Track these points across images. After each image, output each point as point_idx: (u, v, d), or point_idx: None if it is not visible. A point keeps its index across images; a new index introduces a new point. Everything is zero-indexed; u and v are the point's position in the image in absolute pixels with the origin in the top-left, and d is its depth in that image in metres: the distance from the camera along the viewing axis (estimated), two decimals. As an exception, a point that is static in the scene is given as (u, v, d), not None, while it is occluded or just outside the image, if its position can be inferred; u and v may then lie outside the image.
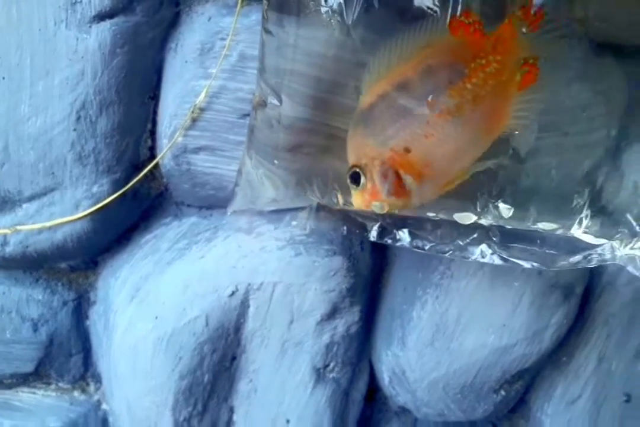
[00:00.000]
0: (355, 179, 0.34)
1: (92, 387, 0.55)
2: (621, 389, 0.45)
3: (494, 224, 0.36)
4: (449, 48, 0.31)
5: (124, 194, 0.46)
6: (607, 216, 0.35)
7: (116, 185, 0.46)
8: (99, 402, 0.55)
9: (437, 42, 0.31)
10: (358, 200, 0.35)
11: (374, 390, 0.52)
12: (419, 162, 0.33)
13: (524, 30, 0.30)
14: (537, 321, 0.43)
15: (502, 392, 0.46)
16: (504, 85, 0.31)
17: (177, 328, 0.46)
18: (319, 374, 0.48)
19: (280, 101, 0.36)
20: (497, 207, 0.34)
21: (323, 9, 0.33)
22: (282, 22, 0.35)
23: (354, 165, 0.34)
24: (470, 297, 0.44)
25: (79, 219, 0.46)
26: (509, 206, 0.34)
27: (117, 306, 0.48)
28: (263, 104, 0.36)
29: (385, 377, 0.49)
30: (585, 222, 0.35)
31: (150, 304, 0.47)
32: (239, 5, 0.41)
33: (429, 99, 0.31)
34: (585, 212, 0.35)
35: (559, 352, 0.46)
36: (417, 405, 0.48)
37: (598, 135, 0.35)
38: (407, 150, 0.33)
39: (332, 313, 0.46)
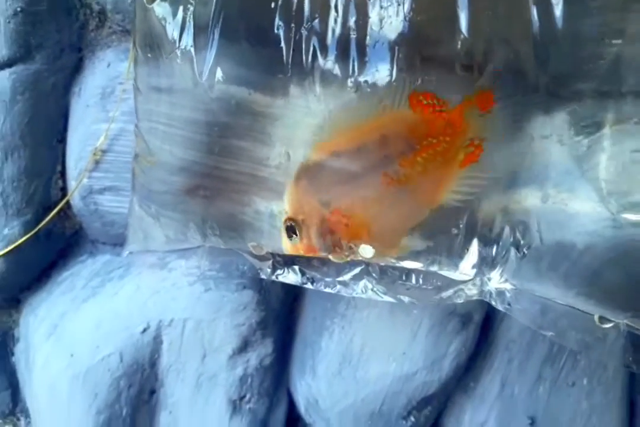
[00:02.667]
0: (291, 231, 0.35)
1: (22, 422, 0.56)
2: (525, 413, 0.47)
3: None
4: (404, 122, 0.32)
5: (35, 235, 0.47)
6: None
7: (27, 226, 0.47)
8: (30, 436, 0.55)
9: (395, 113, 0.32)
10: (291, 250, 0.36)
11: (296, 418, 0.53)
12: (358, 226, 0.34)
13: (476, 112, 0.32)
14: (435, 348, 0.44)
15: (412, 419, 0.47)
16: (449, 162, 0.32)
17: (92, 365, 0.46)
18: (235, 405, 0.49)
19: (149, 149, 0.37)
20: (358, 248, 0.35)
21: (178, 52, 0.34)
22: (150, 66, 0.36)
23: (291, 219, 0.35)
24: (372, 326, 0.45)
25: (-9, 261, 0.47)
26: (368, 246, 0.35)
27: (36, 343, 0.49)
28: (142, 151, 0.37)
29: (302, 406, 0.50)
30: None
31: (65, 342, 0.48)
32: (131, 50, 0.43)
33: (384, 170, 0.33)
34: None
35: (466, 378, 0.48)
36: (328, 430, 0.49)
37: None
38: (349, 214, 0.34)
39: (244, 346, 0.47)
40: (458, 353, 0.44)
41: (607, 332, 0.36)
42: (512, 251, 0.34)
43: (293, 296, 0.50)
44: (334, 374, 0.47)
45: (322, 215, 0.34)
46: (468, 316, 0.44)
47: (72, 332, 0.48)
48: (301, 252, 0.36)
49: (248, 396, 0.49)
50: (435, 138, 0.32)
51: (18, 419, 0.56)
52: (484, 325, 0.46)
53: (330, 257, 0.36)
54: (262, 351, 0.48)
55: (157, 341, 0.47)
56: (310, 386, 0.48)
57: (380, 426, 0.47)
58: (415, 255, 0.35)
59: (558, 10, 0.30)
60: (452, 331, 0.44)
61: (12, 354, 0.54)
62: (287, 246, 0.37)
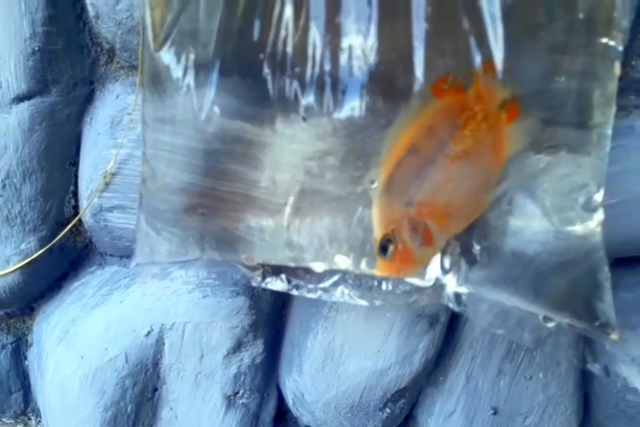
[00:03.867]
0: (385, 248, 0.39)
1: (33, 422, 0.61)
2: (488, 404, 0.52)
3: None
4: (438, 110, 0.37)
5: (50, 249, 0.53)
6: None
7: (43, 241, 0.52)
8: (40, 434, 0.60)
9: (428, 107, 0.37)
10: (385, 270, 0.39)
11: (285, 411, 0.58)
12: (443, 207, 0.38)
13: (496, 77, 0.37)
14: (406, 346, 0.50)
15: (387, 410, 0.52)
16: (495, 124, 0.37)
17: (100, 366, 0.52)
18: (230, 400, 0.54)
19: (155, 173, 0.43)
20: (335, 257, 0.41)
21: (180, 90, 0.40)
22: (155, 101, 0.42)
23: (384, 235, 0.38)
24: (351, 327, 0.51)
25: (10, 273, 0.52)
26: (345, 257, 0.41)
27: (48, 347, 0.55)
28: (148, 175, 0.43)
29: (290, 400, 0.56)
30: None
31: (76, 345, 0.53)
32: (138, 84, 0.48)
33: (443, 153, 0.37)
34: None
35: (436, 373, 0.53)
36: (317, 424, 0.55)
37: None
38: (430, 202, 0.38)
39: (237, 347, 0.53)
40: (426, 350, 0.50)
41: (556, 331, 0.42)
42: (466, 257, 0.40)
43: (282, 302, 0.56)
44: (317, 371, 0.52)
45: (409, 214, 0.38)
46: (435, 317, 0.50)
47: (82, 336, 0.53)
48: (397, 266, 0.39)
49: (241, 392, 0.54)
50: (470, 110, 0.37)
51: (29, 419, 0.61)
52: (450, 325, 0.52)
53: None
54: (254, 351, 0.54)
55: (159, 342, 0.52)
56: (297, 381, 0.54)
57: (360, 417, 0.53)
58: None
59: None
60: (420, 330, 0.50)
61: (25, 358, 0.59)
62: (383, 267, 0.39)
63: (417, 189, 0.38)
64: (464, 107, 0.37)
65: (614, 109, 0.38)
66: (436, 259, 0.41)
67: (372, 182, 0.41)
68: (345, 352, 0.51)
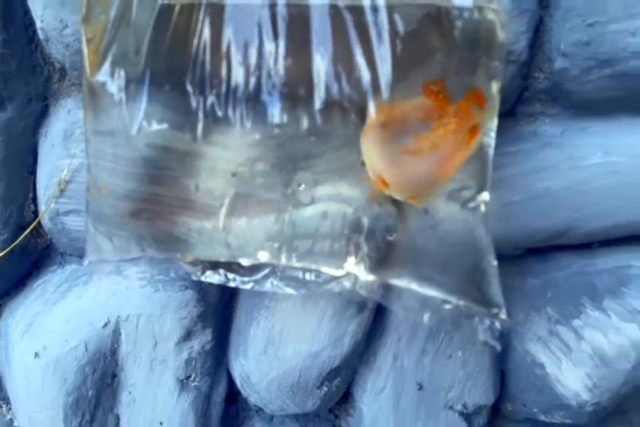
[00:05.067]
0: None
1: (4, 409, 0.66)
2: (414, 380, 0.59)
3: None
4: (421, 108, 0.41)
5: (12, 251, 0.58)
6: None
7: (5, 244, 0.57)
8: (11, 421, 0.66)
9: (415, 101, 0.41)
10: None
11: (236, 393, 0.64)
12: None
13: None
14: (337, 330, 0.56)
15: (325, 388, 0.58)
16: (459, 143, 0.42)
17: (61, 355, 0.57)
18: (183, 384, 0.60)
19: (96, 182, 0.48)
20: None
21: (115, 105, 0.45)
22: (95, 115, 0.47)
23: None
24: (289, 314, 0.57)
25: (-25, 273, 0.57)
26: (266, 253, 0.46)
27: (14, 340, 0.60)
28: (91, 184, 0.48)
29: (238, 382, 0.62)
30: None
31: (39, 337, 0.58)
32: (83, 101, 0.53)
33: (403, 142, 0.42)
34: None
35: (367, 353, 0.59)
36: (264, 403, 0.60)
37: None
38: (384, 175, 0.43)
39: (187, 335, 0.59)
40: (355, 333, 0.56)
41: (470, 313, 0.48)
42: (371, 248, 0.45)
43: (229, 294, 0.62)
44: (260, 355, 0.58)
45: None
46: (363, 303, 0.56)
47: (45, 329, 0.59)
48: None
49: (193, 376, 0.60)
50: (445, 118, 0.41)
51: (0, 406, 0.66)
52: (378, 311, 0.58)
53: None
54: (203, 339, 0.59)
55: (116, 333, 0.58)
56: (243, 365, 0.60)
57: (300, 395, 0.59)
58: (304, 256, 0.47)
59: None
60: (350, 316, 0.56)
61: (-5, 350, 0.64)
62: None
63: (377, 159, 0.43)
64: (442, 114, 0.42)
65: (496, 121, 0.44)
66: (351, 249, 0.47)
67: (300, 184, 0.46)
68: (284, 338, 0.57)
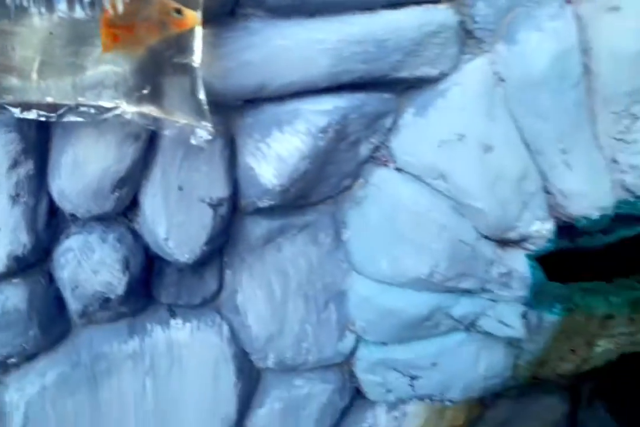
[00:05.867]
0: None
1: None
2: (176, 184, 0.92)
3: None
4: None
5: None
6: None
7: None
8: None
9: None
10: None
11: (56, 209, 0.93)
12: None
13: None
14: (119, 152, 0.86)
15: (117, 193, 0.89)
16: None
17: None
18: (14, 199, 0.87)
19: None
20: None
21: None
22: None
23: None
24: (86, 145, 0.86)
25: None
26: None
27: None
28: None
29: (56, 197, 0.90)
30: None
31: None
32: None
33: None
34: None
35: (146, 170, 0.91)
36: (75, 209, 0.90)
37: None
38: None
39: (15, 164, 0.85)
40: (133, 154, 0.87)
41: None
42: (135, 92, 0.76)
43: (46, 134, 0.88)
44: (70, 175, 0.87)
45: None
46: (138, 134, 0.87)
47: None
48: None
49: (22, 194, 0.87)
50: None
51: None
52: (151, 140, 0.89)
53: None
54: (27, 167, 0.86)
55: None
56: (59, 184, 0.88)
57: (100, 199, 0.89)
58: (90, 98, 0.76)
59: None
60: (129, 144, 0.86)
61: None
62: None
63: None
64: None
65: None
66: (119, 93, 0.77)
67: (86, 55, 0.75)
68: (84, 161, 0.86)
